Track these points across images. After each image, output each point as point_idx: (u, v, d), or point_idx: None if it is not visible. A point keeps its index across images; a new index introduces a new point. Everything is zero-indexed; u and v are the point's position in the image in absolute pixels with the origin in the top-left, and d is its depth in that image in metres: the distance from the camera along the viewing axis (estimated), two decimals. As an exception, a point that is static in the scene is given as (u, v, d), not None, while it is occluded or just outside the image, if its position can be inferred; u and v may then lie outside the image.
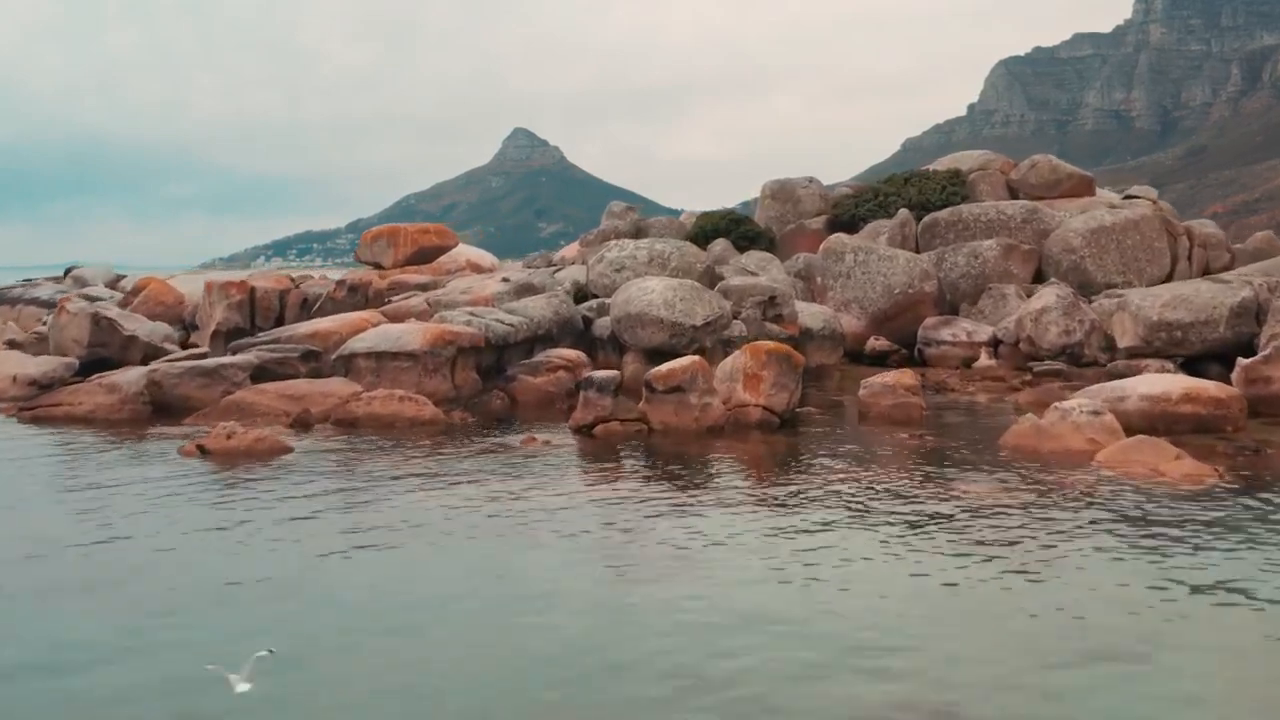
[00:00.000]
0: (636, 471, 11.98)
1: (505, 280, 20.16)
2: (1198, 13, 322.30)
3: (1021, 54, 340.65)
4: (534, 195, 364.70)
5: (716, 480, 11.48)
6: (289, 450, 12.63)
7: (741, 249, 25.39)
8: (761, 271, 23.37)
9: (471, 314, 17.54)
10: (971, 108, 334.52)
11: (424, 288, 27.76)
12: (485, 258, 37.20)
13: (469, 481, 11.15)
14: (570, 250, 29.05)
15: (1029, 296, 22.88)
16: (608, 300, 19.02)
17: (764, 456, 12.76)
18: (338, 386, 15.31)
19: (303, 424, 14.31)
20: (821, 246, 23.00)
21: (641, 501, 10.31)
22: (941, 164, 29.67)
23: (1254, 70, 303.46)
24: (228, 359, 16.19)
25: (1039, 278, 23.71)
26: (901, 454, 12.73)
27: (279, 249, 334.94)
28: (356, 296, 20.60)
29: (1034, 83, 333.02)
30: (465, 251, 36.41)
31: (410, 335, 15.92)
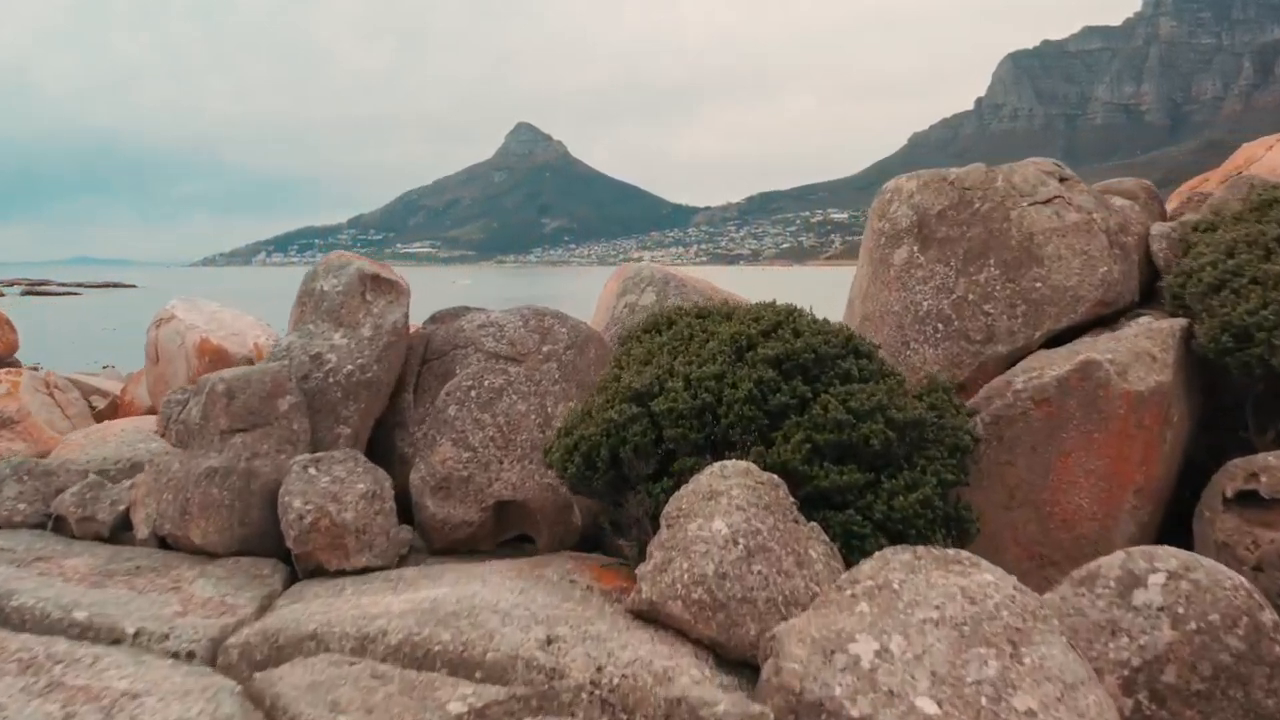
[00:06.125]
0: None
1: None
2: (1208, 5, 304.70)
3: (1030, 47, 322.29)
4: (537, 190, 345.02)
5: None
6: None
7: (833, 505, 4.28)
8: None
9: None
10: (979, 102, 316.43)
11: None
12: (246, 334, 15.87)
13: None
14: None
15: None
16: None
17: None
18: None
19: None
20: None
21: None
22: None
23: (1266, 64, 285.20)
24: None
25: None
26: None
27: (280, 245, 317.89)
28: None
29: (1042, 76, 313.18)
30: (195, 326, 15.24)
31: None
